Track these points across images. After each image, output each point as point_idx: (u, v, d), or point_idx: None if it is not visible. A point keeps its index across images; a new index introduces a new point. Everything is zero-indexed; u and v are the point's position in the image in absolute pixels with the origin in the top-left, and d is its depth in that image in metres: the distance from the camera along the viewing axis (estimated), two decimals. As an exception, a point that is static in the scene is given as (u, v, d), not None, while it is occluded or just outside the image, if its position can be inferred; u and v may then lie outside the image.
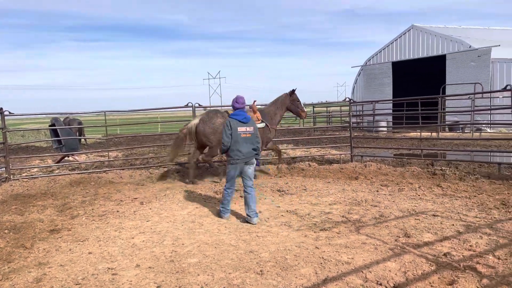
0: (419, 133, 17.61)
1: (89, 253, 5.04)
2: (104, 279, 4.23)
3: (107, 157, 13.80)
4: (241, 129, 6.19)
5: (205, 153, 9.56)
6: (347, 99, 12.36)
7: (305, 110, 10.07)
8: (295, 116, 10.51)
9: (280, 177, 9.90)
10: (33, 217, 6.75)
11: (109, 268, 4.52)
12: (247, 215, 6.22)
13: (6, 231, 5.95)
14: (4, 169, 10.37)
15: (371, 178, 9.23)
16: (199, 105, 11.22)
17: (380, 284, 3.87)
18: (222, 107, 10.69)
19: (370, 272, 4.14)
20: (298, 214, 6.55)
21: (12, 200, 8.10)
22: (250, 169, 6.34)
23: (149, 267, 4.51)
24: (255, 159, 6.42)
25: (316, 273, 4.20)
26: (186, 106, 10.98)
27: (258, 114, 9.49)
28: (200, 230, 5.87)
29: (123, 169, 11.04)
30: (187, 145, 10.00)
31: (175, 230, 5.87)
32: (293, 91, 9.87)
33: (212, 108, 11.09)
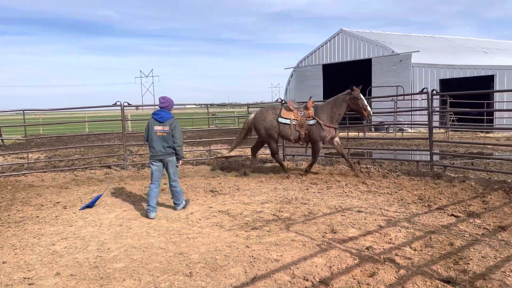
0: (347, 133, 18.42)
1: (3, 262, 4.66)
2: None
3: (26, 159, 12.87)
4: (157, 127, 6.57)
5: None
6: (280, 100, 12.60)
7: (369, 109, 9.33)
8: (229, 116, 10.62)
9: (213, 177, 9.85)
10: None
11: (25, 278, 4.20)
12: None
13: None
14: None
15: (302, 176, 9.48)
16: (129, 104, 10.83)
17: (307, 280, 3.97)
18: (155, 106, 10.42)
19: (298, 268, 4.25)
20: (230, 214, 6.55)
21: None
22: (168, 166, 6.70)
23: (71, 275, 4.26)
24: (178, 158, 6.79)
25: (246, 272, 4.22)
26: (115, 105, 10.55)
27: (310, 111, 9.43)
28: (128, 233, 5.66)
29: (45, 172, 10.36)
30: (249, 138, 10.55)
31: (101, 235, 5.61)
32: (353, 88, 9.27)
33: (270, 104, 12.06)
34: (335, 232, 5.39)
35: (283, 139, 10.25)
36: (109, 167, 10.84)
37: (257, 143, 10.46)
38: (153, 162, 6.69)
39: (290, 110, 9.67)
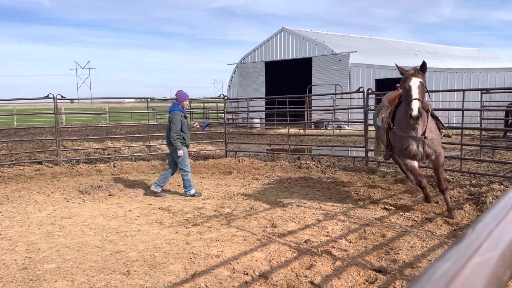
0: (287, 130, 18.80)
1: None
2: None
3: None
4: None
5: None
6: (222, 96, 12.57)
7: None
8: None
9: (153, 173, 9.63)
10: None
11: None
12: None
13: None
14: None
15: (244, 172, 9.55)
16: (62, 96, 10.26)
17: (247, 274, 4.01)
18: (92, 100, 9.94)
19: (238, 263, 4.27)
20: (170, 210, 6.44)
21: None
22: (173, 155, 7.41)
23: (-4, 278, 3.98)
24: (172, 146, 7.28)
25: (186, 268, 4.18)
26: (47, 97, 9.95)
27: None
28: (61, 233, 5.38)
29: (-33, 168, 9.55)
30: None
31: (30, 235, 5.28)
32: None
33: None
34: (275, 227, 5.49)
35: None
36: (40, 163, 10.22)
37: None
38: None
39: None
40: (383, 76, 23.60)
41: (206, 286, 3.77)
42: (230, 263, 4.26)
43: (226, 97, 12.62)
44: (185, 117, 7.42)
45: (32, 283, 3.88)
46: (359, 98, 20.16)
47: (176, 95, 7.58)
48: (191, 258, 4.43)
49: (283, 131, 20.25)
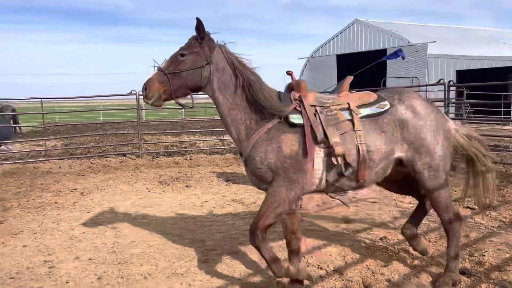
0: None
1: (24, 246, 4.79)
2: (40, 272, 4.05)
3: (44, 147, 13.09)
4: None
5: None
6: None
7: None
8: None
9: (227, 166, 9.91)
10: (-40, 210, 6.29)
11: (45, 261, 4.32)
12: None
13: None
14: None
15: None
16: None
17: (321, 268, 4.01)
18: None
19: (312, 257, 4.28)
20: (244, 203, 6.61)
21: None
22: None
23: (90, 259, 4.37)
24: None
25: (261, 259, 4.26)
26: (130, 94, 10.64)
27: None
28: (144, 220, 5.76)
29: (62, 159, 10.54)
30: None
31: (118, 221, 5.71)
32: None
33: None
34: (348, 223, 5.41)
35: None
36: (124, 155, 10.98)
37: None
38: None
39: None
40: (465, 67, 22.10)
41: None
42: (304, 257, 4.29)
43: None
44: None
45: (120, 265, 4.21)
46: (438, 90, 19.08)
47: None
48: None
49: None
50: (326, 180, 3.33)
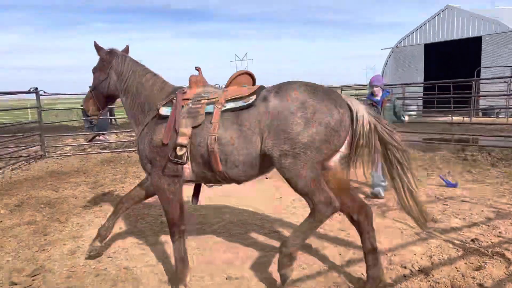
0: (450, 118, 17.17)
1: (120, 228, 5.23)
2: (134, 253, 4.40)
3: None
4: None
5: None
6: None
7: None
8: None
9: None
10: (67, 193, 7.03)
11: (138, 243, 4.68)
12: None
13: (42, 205, 6.23)
14: (39, 146, 10.77)
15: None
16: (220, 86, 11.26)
17: (405, 267, 3.87)
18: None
19: (395, 255, 4.15)
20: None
21: (48, 176, 8.43)
22: None
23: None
24: None
25: (340, 254, 4.24)
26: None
27: None
28: (226, 209, 5.97)
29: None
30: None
31: (202, 209, 6.00)
32: None
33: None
34: (436, 221, 5.13)
35: None
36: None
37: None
38: None
39: None
40: None
41: (362, 274, 3.77)
42: (386, 254, 4.17)
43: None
44: (372, 105, 6.29)
45: (205, 251, 4.42)
46: (542, 81, 17.21)
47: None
48: (346, 245, 4.46)
49: (444, 119, 18.56)
50: (193, 170, 3.53)
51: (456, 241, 4.47)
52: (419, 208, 3.44)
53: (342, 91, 30.66)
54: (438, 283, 3.55)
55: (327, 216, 3.25)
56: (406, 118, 6.43)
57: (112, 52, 3.97)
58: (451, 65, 28.02)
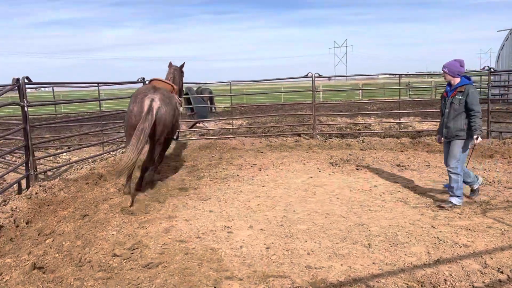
0: None
1: (210, 211, 5.55)
2: (220, 235, 4.65)
3: (231, 125, 14.67)
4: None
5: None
6: (486, 68, 11.01)
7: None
8: (425, 87, 9.63)
9: (402, 151, 9.42)
10: (167, 175, 7.63)
11: (225, 226, 4.94)
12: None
13: (146, 186, 6.84)
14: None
15: (509, 157, 8.23)
16: (319, 75, 11.14)
17: (501, 272, 3.53)
18: (347, 77, 10.39)
19: (492, 258, 3.80)
20: (416, 191, 6.22)
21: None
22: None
23: (261, 229, 4.80)
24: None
25: (428, 252, 4.01)
26: (306, 76, 10.99)
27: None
28: (312, 199, 5.99)
29: (245, 137, 11.65)
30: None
31: (288, 197, 6.09)
32: (183, 64, 7.89)
33: (147, 85, 6.81)
34: (546, 225, 4.58)
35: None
36: (299, 135, 11.48)
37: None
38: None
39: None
40: None
41: (451, 275, 3.53)
42: (482, 257, 3.84)
43: (492, 69, 10.98)
44: (442, 96, 5.74)
45: (287, 239, 4.50)
46: None
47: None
48: (435, 243, 4.20)
49: None
50: None
51: None
52: None
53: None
54: (541, 293, 3.19)
55: None
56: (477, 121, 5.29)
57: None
58: None
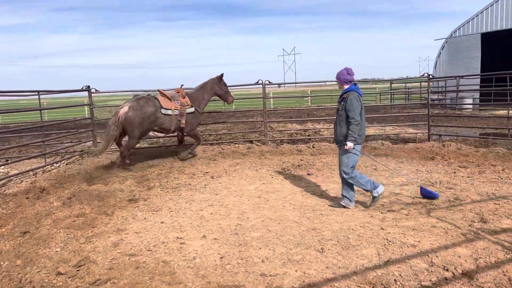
0: (507, 112, 16.10)
1: (162, 222, 5.39)
2: (173, 247, 4.52)
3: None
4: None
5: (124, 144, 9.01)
6: (426, 75, 11.63)
7: (232, 95, 10.23)
8: (370, 93, 10.08)
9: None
10: (115, 186, 7.34)
11: (178, 237, 4.81)
12: (345, 196, 5.73)
13: (92, 198, 6.54)
14: (92, 142, 11.32)
15: (449, 158, 8.69)
16: (269, 82, 11.25)
17: (447, 270, 3.69)
18: (296, 84, 10.56)
19: (437, 256, 3.97)
20: (365, 194, 6.40)
21: (98, 170, 8.84)
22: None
23: (215, 239, 4.72)
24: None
25: (379, 254, 4.11)
26: (257, 83, 11.06)
27: (186, 99, 9.40)
28: (266, 205, 5.99)
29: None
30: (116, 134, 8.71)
31: (242, 204, 6.05)
32: (221, 76, 9.91)
33: (141, 95, 9.38)
34: (485, 222, 4.86)
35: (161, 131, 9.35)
36: (251, 142, 11.51)
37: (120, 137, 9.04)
38: (360, 146, 5.64)
39: (168, 99, 9.23)
40: None
41: (400, 275, 3.64)
42: (428, 255, 4.00)
43: (430, 76, 11.61)
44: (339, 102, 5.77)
45: (241, 247, 4.46)
46: None
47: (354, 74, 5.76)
48: (385, 244, 4.33)
49: (502, 112, 17.46)
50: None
51: (506, 243, 4.21)
52: None
53: (392, 84, 29.60)
54: (482, 287, 3.35)
55: None
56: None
57: None
58: (510, 55, 26.26)
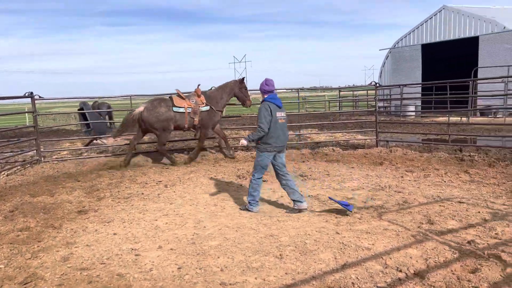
0: (447, 118, 17.13)
1: (114, 234, 5.19)
2: (127, 259, 4.36)
3: (133, 141, 14.01)
4: (278, 114, 5.82)
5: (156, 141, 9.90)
6: (373, 83, 12.12)
7: (251, 99, 10.46)
8: (320, 101, 10.45)
9: (303, 161, 9.86)
10: (62, 198, 6.99)
11: (132, 249, 4.64)
12: (295, 200, 5.88)
13: (37, 211, 6.18)
14: (35, 151, 10.72)
15: (396, 163, 9.07)
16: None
17: (400, 271, 3.83)
18: (249, 91, 10.63)
19: (391, 258, 4.11)
20: (320, 199, 6.53)
21: (43, 181, 8.39)
22: (283, 157, 6.04)
23: (171, 249, 4.61)
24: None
25: (336, 258, 4.19)
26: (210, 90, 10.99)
27: (202, 98, 9.91)
28: (222, 213, 5.94)
29: (149, 153, 11.23)
30: (132, 128, 10.15)
31: (198, 213, 5.96)
32: (243, 79, 10.35)
33: (158, 97, 10.48)
34: (432, 223, 5.10)
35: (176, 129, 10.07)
36: (204, 149, 11.39)
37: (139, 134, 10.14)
38: (270, 153, 5.87)
39: (182, 98, 9.91)
40: None
41: (357, 278, 3.73)
42: (382, 258, 4.13)
43: (377, 84, 12.11)
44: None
45: (199, 256, 4.38)
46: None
47: (273, 84, 6.04)
48: (341, 248, 4.42)
49: (442, 119, 18.56)
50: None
51: (452, 243, 4.44)
52: None
53: (340, 92, 30.52)
54: (434, 286, 3.51)
55: None
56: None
57: None
58: (449, 65, 28.01)
